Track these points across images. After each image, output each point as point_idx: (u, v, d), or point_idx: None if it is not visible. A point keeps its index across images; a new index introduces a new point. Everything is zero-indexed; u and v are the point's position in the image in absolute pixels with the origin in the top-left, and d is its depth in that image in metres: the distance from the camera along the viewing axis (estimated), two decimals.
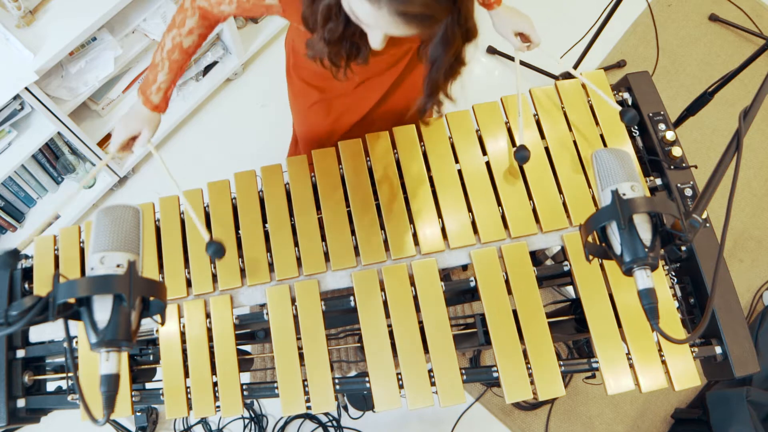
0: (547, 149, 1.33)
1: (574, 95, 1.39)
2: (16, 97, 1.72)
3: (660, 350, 1.17)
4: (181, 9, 1.12)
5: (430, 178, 1.30)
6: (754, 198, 2.46)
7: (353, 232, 1.25)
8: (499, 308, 1.19)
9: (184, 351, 1.18)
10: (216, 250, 1.10)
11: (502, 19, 1.33)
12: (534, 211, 1.27)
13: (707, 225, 1.26)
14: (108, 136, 2.22)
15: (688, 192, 1.29)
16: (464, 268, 1.28)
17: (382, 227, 1.25)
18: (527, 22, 1.32)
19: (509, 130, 1.35)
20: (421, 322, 1.18)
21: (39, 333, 1.24)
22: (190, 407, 1.16)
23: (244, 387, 1.17)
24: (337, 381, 1.16)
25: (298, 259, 1.23)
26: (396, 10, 0.76)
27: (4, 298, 1.24)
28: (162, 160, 1.21)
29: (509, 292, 1.20)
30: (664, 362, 1.16)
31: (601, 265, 1.22)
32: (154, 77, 1.16)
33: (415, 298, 1.20)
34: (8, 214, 2.14)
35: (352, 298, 1.20)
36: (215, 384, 1.16)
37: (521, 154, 1.25)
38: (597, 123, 1.36)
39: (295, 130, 1.69)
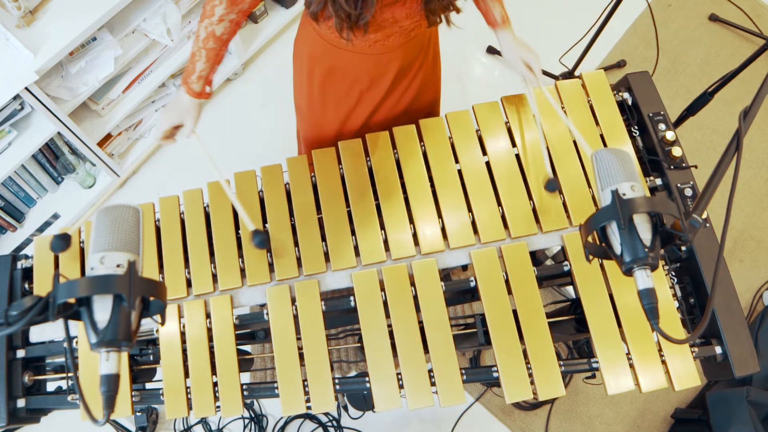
0: (547, 149, 1.33)
1: (574, 95, 1.39)
2: (16, 97, 1.73)
3: (660, 350, 1.17)
4: None
5: (430, 178, 1.30)
6: (754, 198, 2.46)
7: (353, 232, 1.25)
8: (499, 308, 1.19)
9: (184, 351, 1.18)
10: (261, 241, 1.16)
11: (511, 45, 1.32)
12: (534, 211, 1.27)
13: (707, 225, 1.26)
14: (108, 136, 2.23)
15: (688, 192, 1.29)
16: (464, 268, 1.28)
17: (382, 227, 1.25)
18: (534, 55, 1.31)
19: (509, 130, 1.35)
20: (421, 322, 1.18)
21: (39, 333, 1.23)
22: (190, 407, 1.16)
23: (244, 387, 1.17)
24: (337, 381, 1.16)
25: (298, 259, 1.23)
26: None
27: (4, 298, 1.24)
28: (206, 150, 1.24)
29: (509, 292, 1.20)
30: (664, 362, 1.16)
31: (601, 265, 1.22)
32: (193, 67, 1.20)
33: (415, 298, 1.20)
34: (8, 214, 2.14)
35: (352, 298, 1.20)
36: (215, 384, 1.16)
37: (552, 185, 1.27)
38: (597, 123, 1.36)
39: (299, 133, 1.68)
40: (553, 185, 1.27)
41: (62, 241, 1.18)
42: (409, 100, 1.43)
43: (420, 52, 1.35)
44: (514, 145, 1.34)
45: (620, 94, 1.41)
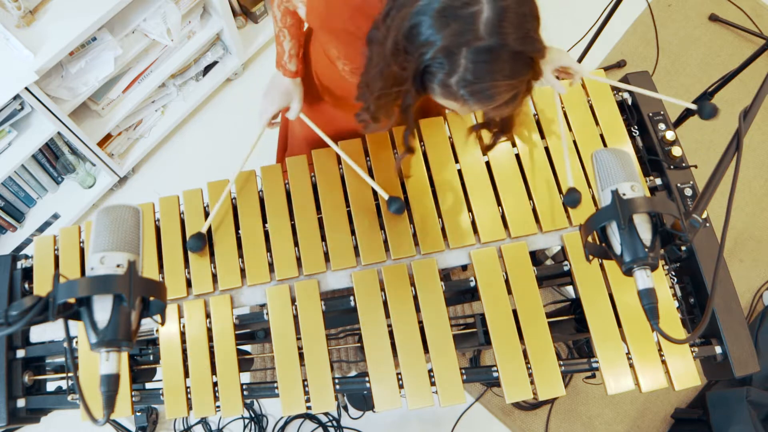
0: (547, 149, 1.33)
1: (574, 95, 1.38)
2: (16, 97, 1.72)
3: (660, 350, 1.17)
4: None
5: (430, 178, 1.30)
6: (754, 198, 2.46)
7: (353, 232, 1.25)
8: (499, 308, 1.19)
9: (184, 351, 1.18)
10: (399, 208, 1.20)
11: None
12: (534, 211, 1.27)
13: (707, 225, 1.26)
14: (108, 136, 2.22)
15: (688, 192, 1.29)
16: (464, 268, 1.28)
17: (382, 227, 1.25)
18: (562, 53, 1.23)
19: None
20: (421, 322, 1.18)
21: (39, 333, 1.23)
22: (190, 407, 1.16)
23: (244, 387, 1.17)
24: (337, 381, 1.16)
25: (298, 259, 1.23)
26: (486, 106, 0.82)
27: (4, 298, 1.24)
28: (317, 128, 1.29)
29: (509, 292, 1.20)
30: (664, 362, 1.16)
31: (601, 265, 1.22)
32: (282, 49, 1.22)
33: (415, 298, 1.20)
34: (8, 214, 2.14)
35: (352, 298, 1.20)
36: (215, 384, 1.16)
37: (572, 197, 1.24)
38: (597, 123, 1.36)
39: (289, 133, 1.66)
40: (573, 199, 1.23)
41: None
42: None
43: None
44: (514, 145, 1.34)
45: (620, 93, 1.41)
